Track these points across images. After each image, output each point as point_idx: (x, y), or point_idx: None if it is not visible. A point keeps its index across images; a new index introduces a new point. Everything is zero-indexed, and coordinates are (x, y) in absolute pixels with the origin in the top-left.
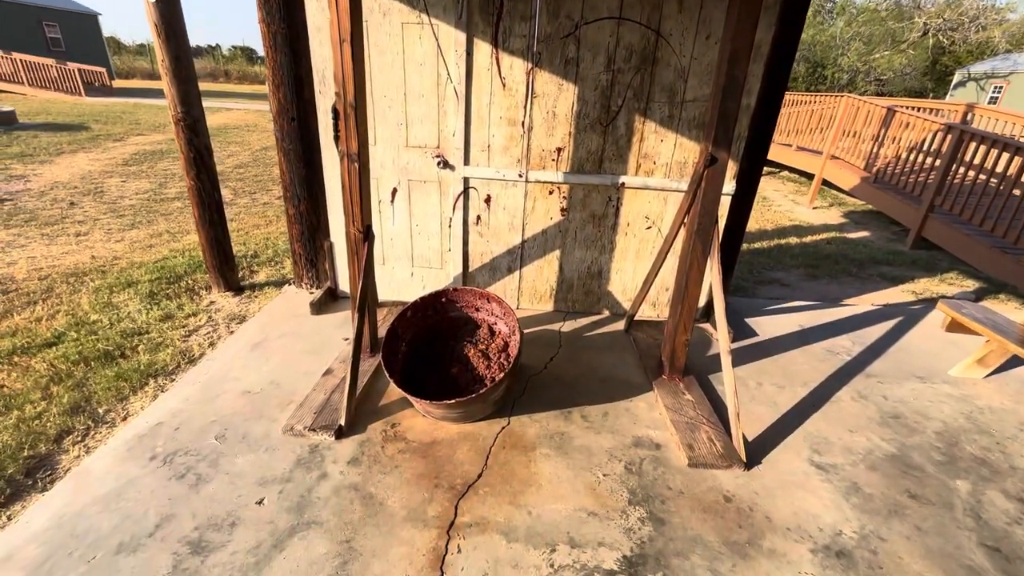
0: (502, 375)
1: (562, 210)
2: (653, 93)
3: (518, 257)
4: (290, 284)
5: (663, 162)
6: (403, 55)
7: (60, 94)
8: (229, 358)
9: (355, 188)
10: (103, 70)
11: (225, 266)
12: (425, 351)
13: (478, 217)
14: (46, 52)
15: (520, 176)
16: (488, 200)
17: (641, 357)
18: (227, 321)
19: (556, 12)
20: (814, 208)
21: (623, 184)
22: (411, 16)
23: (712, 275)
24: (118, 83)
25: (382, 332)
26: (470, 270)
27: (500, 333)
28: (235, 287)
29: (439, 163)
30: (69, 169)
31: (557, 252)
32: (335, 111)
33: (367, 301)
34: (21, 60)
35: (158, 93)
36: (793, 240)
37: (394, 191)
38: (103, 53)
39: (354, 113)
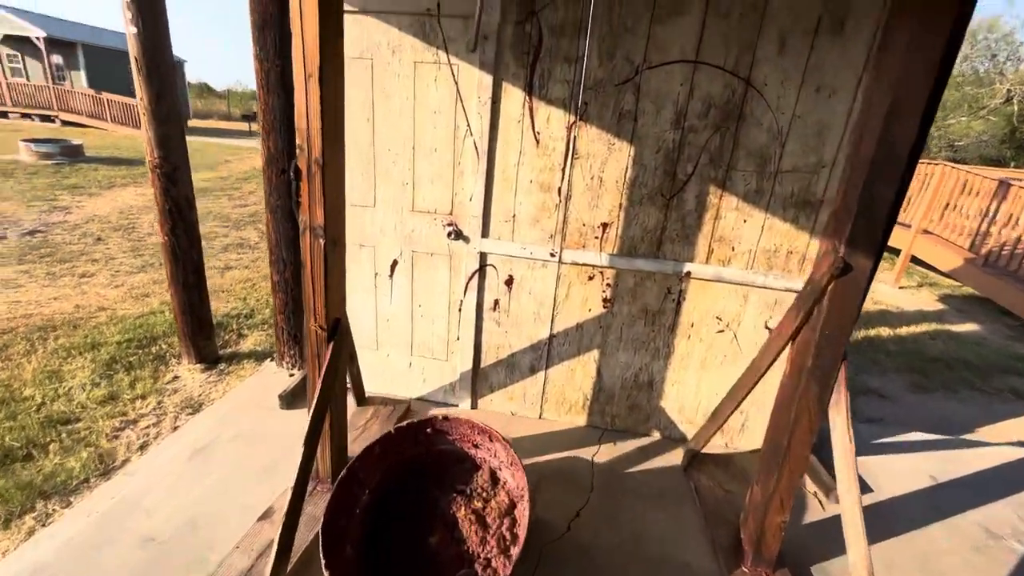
0: (507, 571)
1: (605, 300)
2: (736, 159)
3: (544, 354)
4: (272, 359)
5: (745, 248)
6: (414, 100)
7: (137, 131)
8: (156, 471)
9: (318, 271)
10: None
11: (199, 334)
12: (398, 502)
13: (496, 302)
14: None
15: (552, 255)
16: (510, 282)
17: (707, 519)
18: (179, 409)
19: (611, 53)
20: (900, 288)
21: (688, 273)
22: (426, 54)
23: (837, 437)
24: (193, 123)
25: (358, 447)
26: (482, 366)
27: (505, 485)
28: (210, 358)
29: (451, 233)
30: (112, 203)
31: (595, 353)
32: (295, 170)
33: (321, 426)
34: (107, 99)
35: (229, 133)
36: (885, 332)
37: (394, 263)
38: (184, 95)
39: (320, 173)
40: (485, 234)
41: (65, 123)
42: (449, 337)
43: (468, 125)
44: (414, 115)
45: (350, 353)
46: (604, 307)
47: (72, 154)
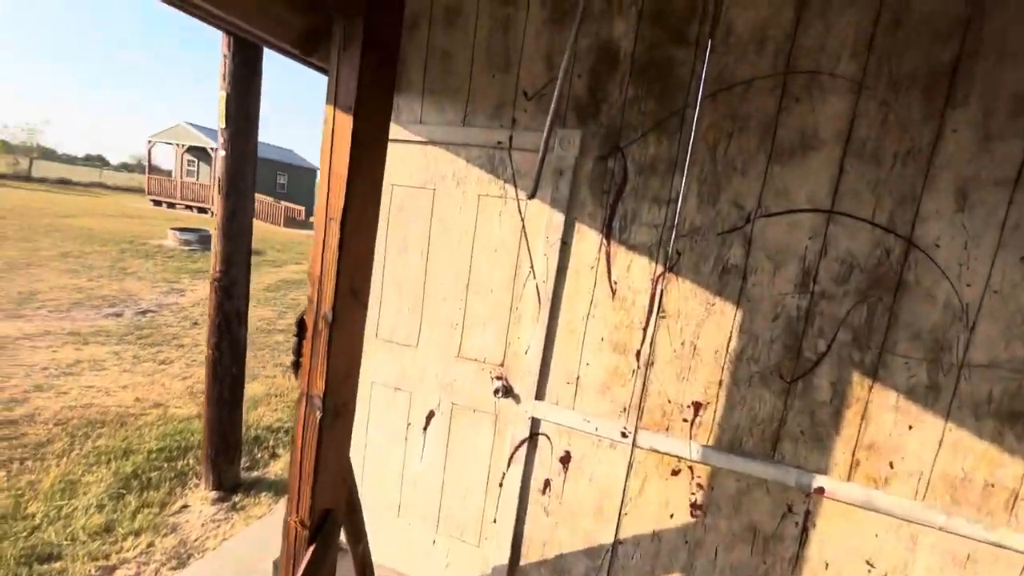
0: None
1: (694, 507)
2: (894, 340)
3: (604, 566)
4: None
5: (912, 468)
6: (474, 235)
7: (267, 224)
8: None
9: (309, 449)
10: (302, 208)
11: (222, 457)
12: None
13: (546, 483)
14: (274, 193)
15: (624, 435)
16: (566, 460)
17: None
18: (164, 560)
19: (713, 196)
20: None
21: (820, 489)
22: (492, 187)
23: None
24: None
25: None
26: (521, 563)
27: None
28: (228, 484)
29: (499, 389)
30: None
31: None
32: (300, 323)
33: None
34: None
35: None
36: None
37: (431, 415)
38: (312, 195)
39: (328, 332)
40: (540, 396)
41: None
42: (484, 517)
43: (532, 266)
44: (472, 251)
45: (356, 530)
46: (693, 515)
47: (207, 242)
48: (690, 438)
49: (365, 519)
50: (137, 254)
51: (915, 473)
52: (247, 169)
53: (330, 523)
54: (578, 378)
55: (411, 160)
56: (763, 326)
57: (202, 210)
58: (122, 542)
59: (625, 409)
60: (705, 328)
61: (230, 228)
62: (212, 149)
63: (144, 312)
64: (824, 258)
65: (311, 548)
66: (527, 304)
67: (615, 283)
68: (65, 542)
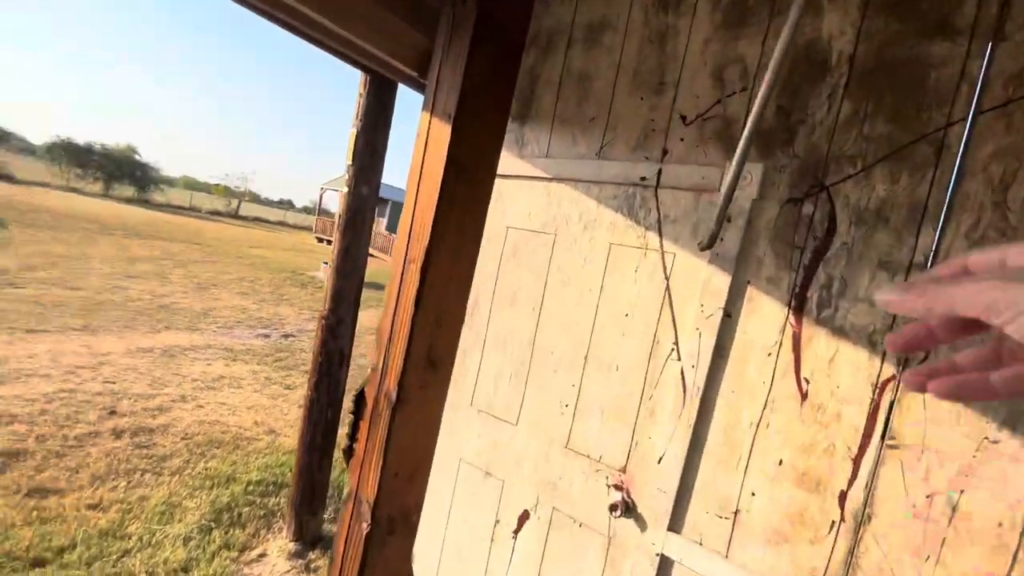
0: None
1: None
2: None
3: None
4: None
5: None
6: (599, 293)
7: (387, 256)
8: None
9: (351, 567)
10: None
11: (306, 506)
12: None
13: None
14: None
15: None
16: None
17: None
18: None
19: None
20: None
21: None
22: (628, 234)
23: None
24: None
25: None
26: None
27: None
28: (309, 536)
29: (617, 505)
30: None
31: None
32: (359, 399)
33: None
34: (394, 238)
35: None
36: None
37: (524, 516)
38: None
39: (389, 415)
40: (675, 526)
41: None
42: None
43: (676, 343)
44: (596, 313)
45: None
46: None
47: None
48: None
49: None
50: (295, 283)
51: None
52: (367, 206)
53: None
54: (737, 512)
55: (531, 199)
56: None
57: None
58: None
59: None
60: (979, 478)
61: (344, 265)
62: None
63: (287, 336)
64: None
65: None
66: (665, 393)
67: (807, 382)
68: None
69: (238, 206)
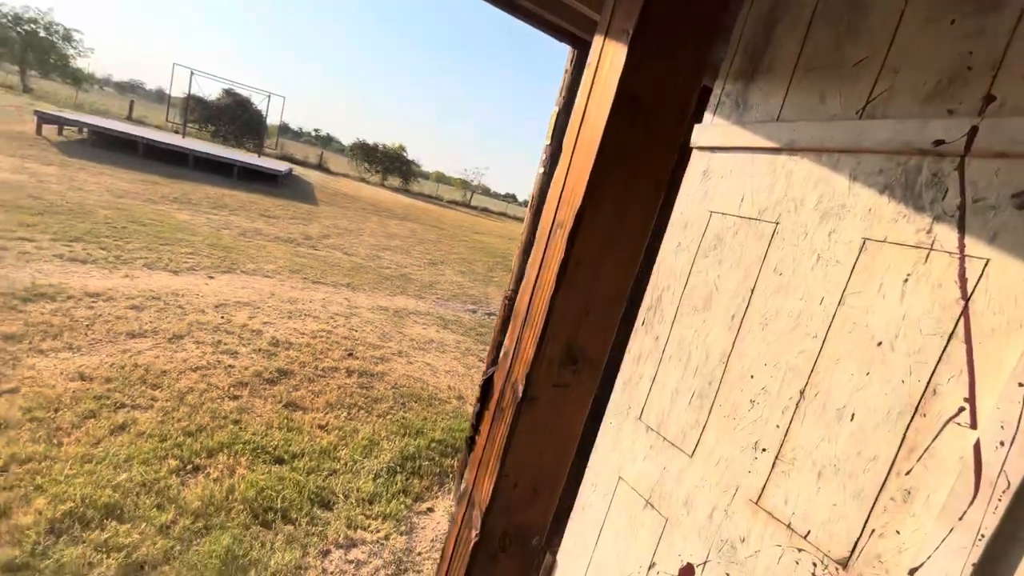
0: None
1: None
2: None
3: None
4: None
5: None
6: (836, 307)
7: None
8: None
9: None
10: None
11: None
12: None
13: None
14: None
15: None
16: None
17: None
18: (387, 562)
19: None
20: None
21: None
22: (898, 228)
23: None
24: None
25: None
26: None
27: None
28: None
29: None
30: None
31: None
32: (486, 385)
33: None
34: None
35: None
36: None
37: (688, 570)
38: None
39: (514, 411)
40: None
41: None
42: None
43: (971, 400)
44: (827, 334)
45: None
46: None
47: None
48: None
49: None
50: (504, 268)
51: None
52: None
53: None
54: None
55: (748, 178)
56: None
57: None
58: (372, 520)
59: None
60: None
61: (530, 245)
62: None
63: (490, 313)
64: None
65: None
66: (938, 473)
67: None
68: (342, 496)
69: (471, 197)
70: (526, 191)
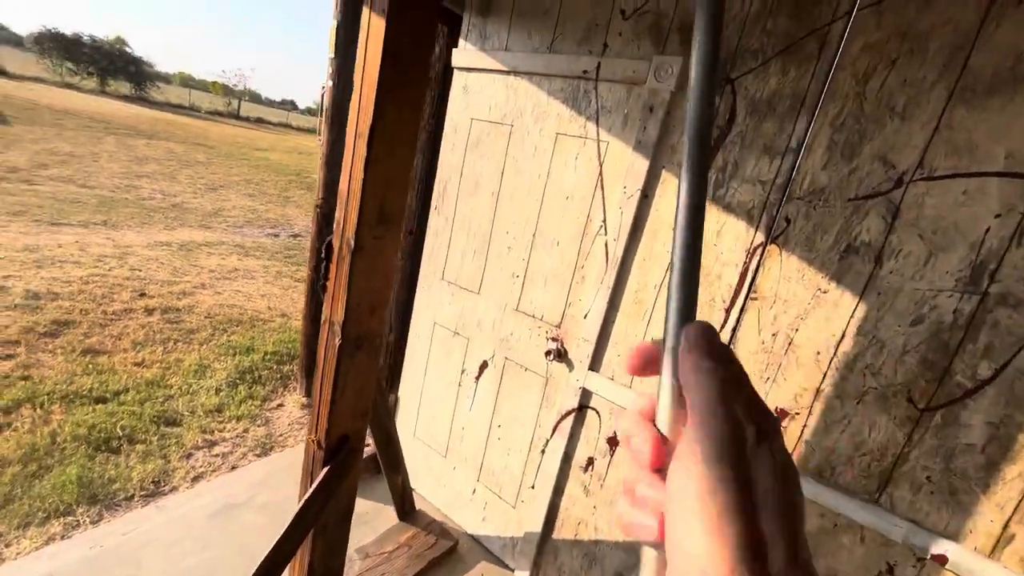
0: None
1: None
2: None
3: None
4: None
5: None
6: (546, 179)
7: None
8: (174, 519)
9: (328, 375)
10: None
11: (312, 369)
12: None
13: (589, 461)
14: None
15: None
16: (614, 442)
17: None
18: (252, 446)
19: (851, 147)
20: None
21: (942, 557)
22: (572, 125)
23: None
24: None
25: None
26: (554, 536)
27: None
28: None
29: (552, 351)
30: None
31: None
32: (327, 247)
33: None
34: None
35: None
36: None
37: (483, 365)
38: None
39: (350, 259)
40: (594, 366)
41: None
42: (523, 480)
43: (604, 221)
44: (543, 197)
45: (393, 462)
46: None
47: None
48: None
49: (420, 455)
50: (300, 185)
51: None
52: (350, 98)
53: (347, 450)
54: None
55: (492, 92)
56: (895, 330)
57: None
58: (225, 423)
59: None
60: (809, 321)
61: (332, 157)
62: None
63: (295, 235)
64: (1017, 246)
65: (325, 469)
66: (594, 263)
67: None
68: (187, 413)
69: (239, 106)
70: (307, 98)
